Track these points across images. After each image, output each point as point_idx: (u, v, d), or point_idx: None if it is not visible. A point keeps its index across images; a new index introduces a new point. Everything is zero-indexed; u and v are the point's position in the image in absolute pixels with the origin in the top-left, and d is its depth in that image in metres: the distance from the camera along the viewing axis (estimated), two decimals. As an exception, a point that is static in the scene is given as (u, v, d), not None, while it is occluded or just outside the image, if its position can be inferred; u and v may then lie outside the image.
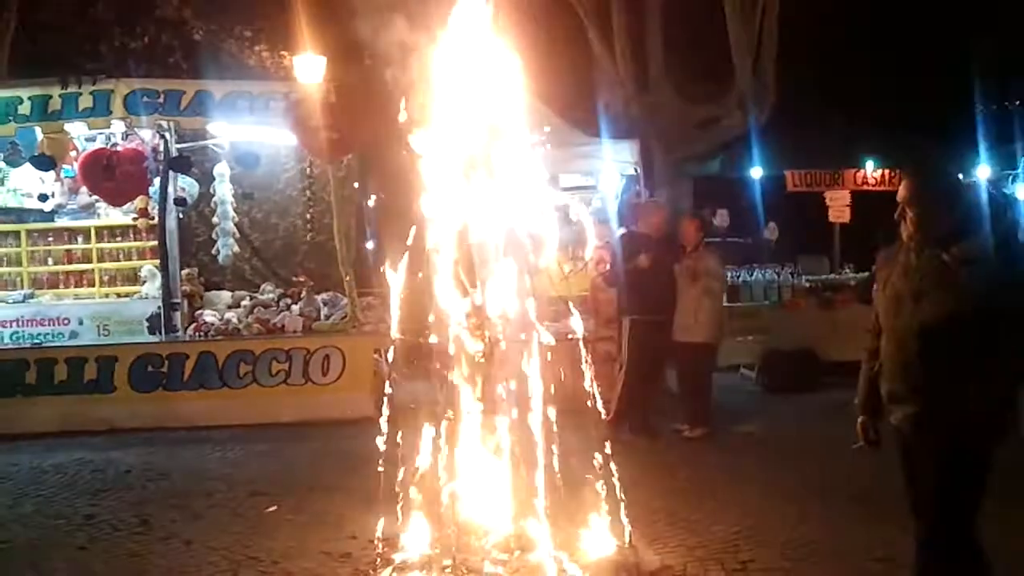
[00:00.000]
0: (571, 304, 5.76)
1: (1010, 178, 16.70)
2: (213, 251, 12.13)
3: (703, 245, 9.39)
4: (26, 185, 12.16)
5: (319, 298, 11.60)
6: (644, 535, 5.86)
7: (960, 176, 4.42)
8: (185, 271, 11.74)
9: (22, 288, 12.15)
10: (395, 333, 5.63)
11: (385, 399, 5.52)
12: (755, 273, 13.19)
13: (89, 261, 12.33)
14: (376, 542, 5.53)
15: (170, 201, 11.05)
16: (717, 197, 16.59)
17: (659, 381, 9.66)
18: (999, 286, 3.80)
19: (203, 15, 14.71)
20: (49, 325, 11.61)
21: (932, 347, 3.89)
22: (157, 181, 11.01)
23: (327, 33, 10.81)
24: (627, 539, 5.46)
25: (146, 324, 11.30)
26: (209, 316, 11.34)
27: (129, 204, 11.65)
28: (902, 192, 4.06)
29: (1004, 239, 3.97)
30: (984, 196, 4.01)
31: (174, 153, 10.94)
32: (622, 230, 10.38)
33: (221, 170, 11.80)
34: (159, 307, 11.12)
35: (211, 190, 11.99)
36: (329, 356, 10.27)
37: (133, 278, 12.19)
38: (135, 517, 6.90)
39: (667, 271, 9.10)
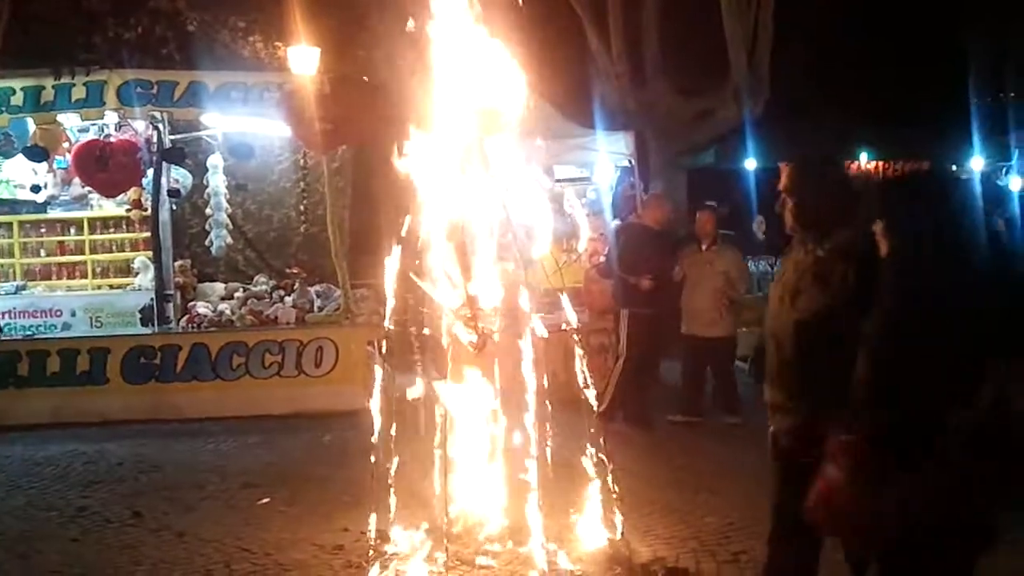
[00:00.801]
0: (564, 296, 5.75)
1: (1004, 170, 16.73)
2: (206, 242, 12.09)
3: (720, 238, 9.36)
4: (18, 176, 12.08)
5: (312, 290, 11.59)
6: (637, 526, 5.87)
7: (843, 166, 4.15)
8: (178, 263, 11.70)
9: (14, 280, 12.10)
10: (388, 324, 5.63)
11: (378, 391, 5.51)
12: (749, 265, 13.14)
13: (82, 252, 12.28)
14: (368, 534, 5.53)
15: (163, 192, 11.02)
16: (711, 189, 16.60)
17: (655, 373, 9.68)
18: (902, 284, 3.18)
19: (197, 6, 14.62)
20: (41, 317, 11.57)
21: (808, 349, 3.52)
22: (150, 172, 10.96)
23: (321, 24, 10.77)
24: (619, 530, 5.47)
25: (139, 316, 11.26)
26: (202, 308, 11.32)
27: (122, 195, 11.60)
28: (783, 180, 3.83)
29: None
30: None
31: (167, 144, 10.90)
32: (616, 222, 10.40)
33: (215, 161, 11.76)
34: (152, 299, 11.08)
35: (204, 181, 11.94)
36: (322, 348, 10.26)
37: (126, 270, 12.14)
38: (127, 509, 6.89)
39: (665, 264, 9.10)
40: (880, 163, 18.57)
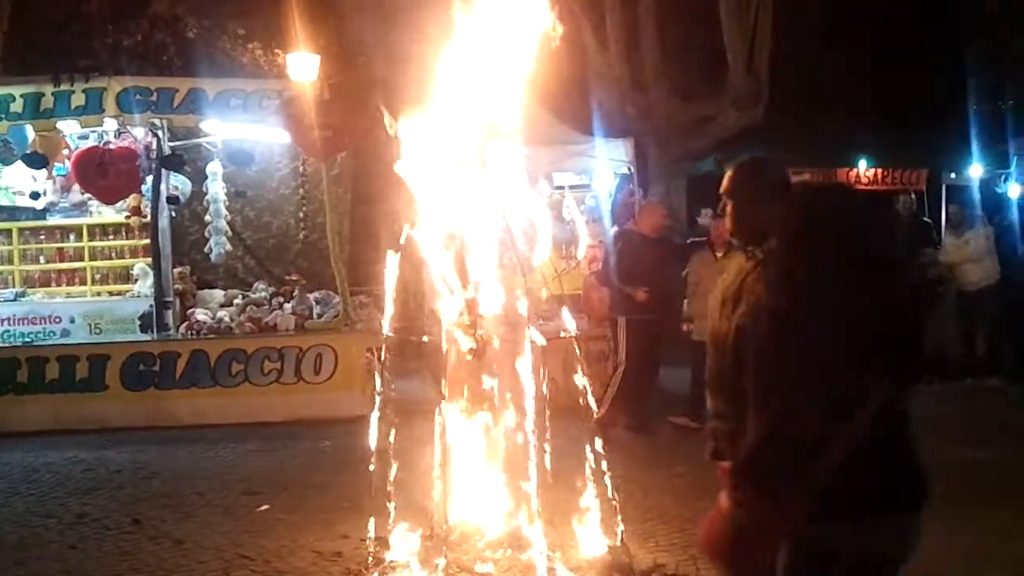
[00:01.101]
0: (563, 303, 5.75)
1: (1003, 177, 16.73)
2: (205, 249, 12.11)
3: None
4: (18, 183, 12.11)
5: (311, 297, 11.57)
6: (636, 533, 5.86)
7: (785, 171, 3.96)
8: (177, 269, 11.71)
9: (14, 286, 12.13)
10: (387, 331, 5.62)
11: (376, 397, 5.51)
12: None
13: (81, 259, 12.30)
14: (367, 541, 5.51)
15: (163, 199, 11.03)
16: (712, 196, 16.59)
17: (654, 379, 9.66)
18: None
19: (196, 12, 14.67)
20: (41, 323, 11.59)
21: (744, 354, 3.32)
22: (150, 179, 10.97)
23: (321, 31, 10.80)
24: (619, 537, 5.45)
25: (138, 322, 11.28)
26: (201, 315, 11.31)
27: (121, 202, 11.61)
28: (724, 183, 3.70)
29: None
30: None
31: (167, 151, 10.92)
32: (615, 229, 10.39)
33: (214, 168, 11.78)
34: (151, 305, 11.10)
35: (204, 188, 11.97)
36: (321, 355, 10.25)
37: (125, 276, 12.17)
38: (126, 516, 6.87)
39: (663, 271, 9.09)
40: (879, 170, 18.58)
